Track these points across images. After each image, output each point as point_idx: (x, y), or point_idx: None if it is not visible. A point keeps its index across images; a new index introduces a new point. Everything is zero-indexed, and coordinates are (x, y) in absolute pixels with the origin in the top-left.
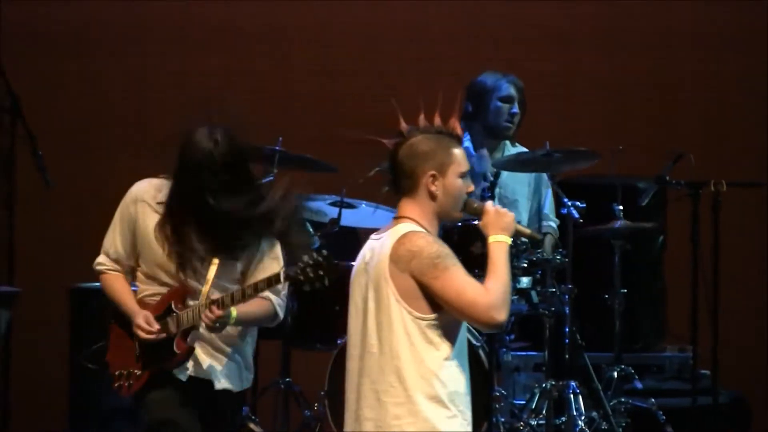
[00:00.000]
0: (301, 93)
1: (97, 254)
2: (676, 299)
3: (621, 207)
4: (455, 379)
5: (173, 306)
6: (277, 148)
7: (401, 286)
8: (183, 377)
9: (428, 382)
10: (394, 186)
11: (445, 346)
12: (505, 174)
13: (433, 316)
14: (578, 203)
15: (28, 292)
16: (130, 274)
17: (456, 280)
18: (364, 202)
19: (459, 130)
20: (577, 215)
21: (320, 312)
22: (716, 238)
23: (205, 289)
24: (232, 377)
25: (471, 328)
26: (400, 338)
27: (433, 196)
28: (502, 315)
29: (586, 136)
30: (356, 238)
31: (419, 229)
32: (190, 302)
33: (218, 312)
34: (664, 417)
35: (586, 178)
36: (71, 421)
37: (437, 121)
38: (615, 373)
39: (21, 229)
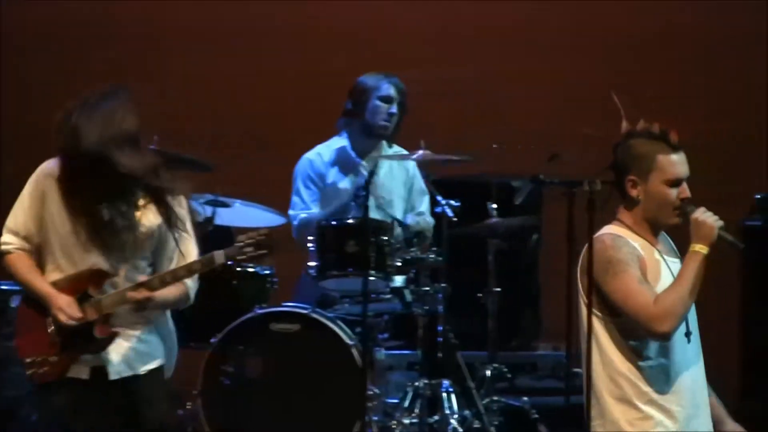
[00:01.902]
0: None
1: None
2: (552, 298)
3: (495, 205)
4: (652, 381)
5: (90, 291)
6: (152, 147)
7: (585, 285)
8: (84, 375)
9: (615, 383)
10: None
11: (638, 346)
12: (381, 173)
13: (613, 316)
14: (453, 202)
15: None
16: (35, 255)
17: (625, 286)
18: (239, 200)
19: (675, 136)
20: (451, 214)
21: (194, 311)
22: (591, 237)
23: (122, 272)
24: (140, 359)
25: (342, 325)
26: (587, 335)
27: (635, 201)
28: (663, 327)
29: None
30: (230, 236)
31: (620, 232)
32: (107, 285)
33: (148, 294)
34: (537, 415)
35: (462, 177)
36: None
37: (656, 126)
38: (488, 372)
39: None
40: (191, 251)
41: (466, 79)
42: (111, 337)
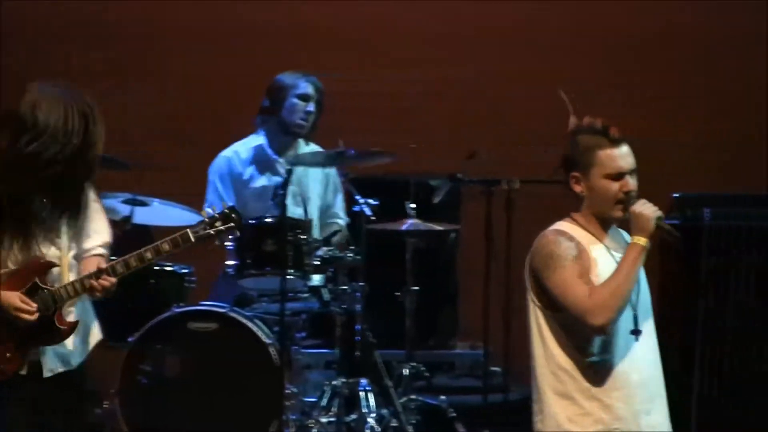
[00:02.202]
0: None
1: None
2: (470, 297)
3: (413, 205)
4: (594, 377)
5: (39, 282)
6: None
7: (529, 279)
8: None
9: (558, 378)
10: None
11: (581, 341)
12: (298, 171)
13: (555, 311)
14: (371, 201)
15: None
16: None
17: (563, 281)
18: (156, 199)
19: (615, 131)
20: (369, 212)
21: (112, 309)
22: (509, 236)
23: (66, 260)
24: (73, 354)
25: (260, 324)
26: (533, 330)
27: (580, 197)
28: (598, 320)
29: (382, 133)
30: (149, 235)
31: (566, 227)
32: (51, 275)
33: (112, 279)
34: (455, 414)
35: (381, 176)
36: None
37: (598, 121)
38: (406, 371)
39: None
40: (106, 226)
41: (465, 79)
42: (73, 327)
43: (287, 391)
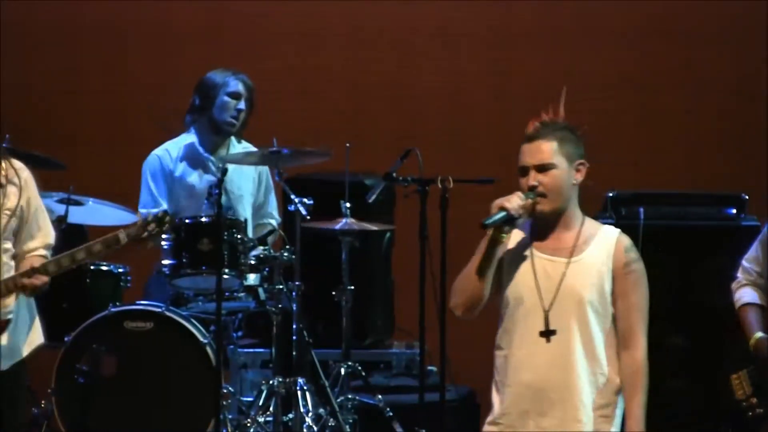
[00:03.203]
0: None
1: None
2: (405, 295)
3: (348, 204)
4: (499, 370)
5: None
6: (4, 144)
7: None
8: None
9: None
10: None
11: (499, 334)
12: (231, 169)
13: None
14: (305, 200)
15: None
16: None
17: None
18: (92, 198)
19: (529, 126)
20: (305, 212)
21: (48, 308)
22: (443, 235)
23: (2, 258)
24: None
25: (196, 323)
26: None
27: None
28: (450, 302)
29: (322, 132)
30: (84, 235)
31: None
32: None
33: (44, 278)
34: (392, 413)
35: (316, 175)
36: None
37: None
38: (342, 370)
39: None
40: (50, 228)
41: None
42: (4, 326)
43: (224, 391)
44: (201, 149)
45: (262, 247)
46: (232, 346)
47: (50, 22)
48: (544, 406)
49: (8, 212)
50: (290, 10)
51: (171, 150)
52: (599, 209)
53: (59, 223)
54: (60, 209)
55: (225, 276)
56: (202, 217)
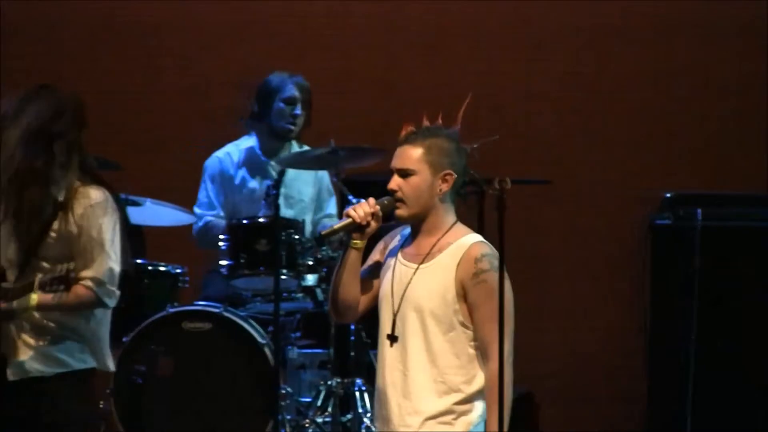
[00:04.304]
0: None
1: None
2: None
3: None
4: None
5: None
6: None
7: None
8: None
9: None
10: None
11: None
12: (290, 173)
13: None
14: (363, 201)
15: None
16: None
17: None
18: (149, 199)
19: (403, 131)
20: None
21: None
22: (501, 235)
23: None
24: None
25: (254, 323)
26: None
27: None
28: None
29: (374, 133)
30: (141, 235)
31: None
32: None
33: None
34: None
35: (373, 176)
36: None
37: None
38: None
39: None
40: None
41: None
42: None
43: (282, 391)
44: (260, 153)
45: (320, 248)
46: (290, 347)
47: (103, 21)
48: (385, 410)
49: (54, 234)
50: (326, 11)
51: (232, 153)
52: (656, 210)
53: None
54: None
55: (283, 277)
56: (259, 217)
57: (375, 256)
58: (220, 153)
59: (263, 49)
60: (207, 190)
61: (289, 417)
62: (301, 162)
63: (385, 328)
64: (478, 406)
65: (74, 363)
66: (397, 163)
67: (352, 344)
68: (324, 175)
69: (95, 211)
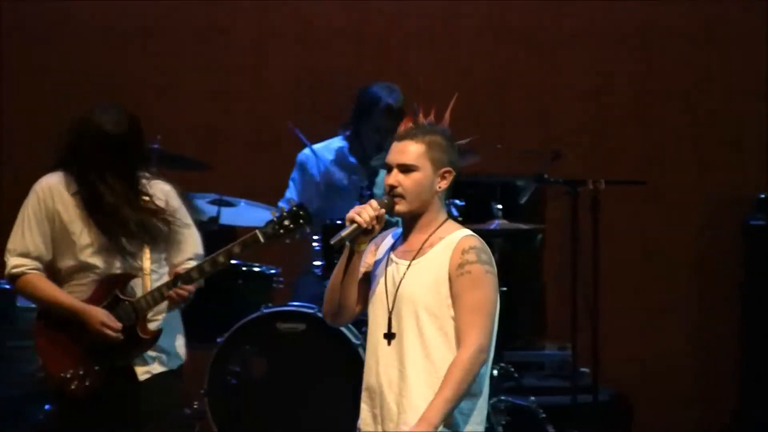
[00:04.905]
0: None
1: None
2: (556, 297)
3: (500, 206)
4: (364, 375)
5: (120, 294)
6: (155, 146)
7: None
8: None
9: None
10: None
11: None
12: (381, 174)
13: None
14: (457, 201)
15: None
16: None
17: None
18: (243, 200)
19: (400, 127)
20: (456, 214)
21: (200, 309)
22: (595, 236)
23: (146, 264)
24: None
25: (349, 325)
26: None
27: None
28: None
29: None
30: (235, 236)
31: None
32: (131, 286)
33: (190, 288)
34: (545, 415)
35: (466, 177)
36: None
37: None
38: (495, 371)
39: None
40: (194, 239)
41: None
42: (156, 336)
43: None
44: (349, 155)
45: None
46: None
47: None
48: (384, 410)
49: (160, 224)
50: (432, 11)
51: (323, 151)
52: (751, 211)
53: (211, 223)
54: (212, 210)
55: None
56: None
57: (367, 258)
58: (308, 151)
59: (371, 52)
60: (295, 186)
61: None
62: None
63: (379, 327)
64: (477, 402)
65: (177, 358)
66: (398, 158)
67: None
68: None
69: (169, 197)
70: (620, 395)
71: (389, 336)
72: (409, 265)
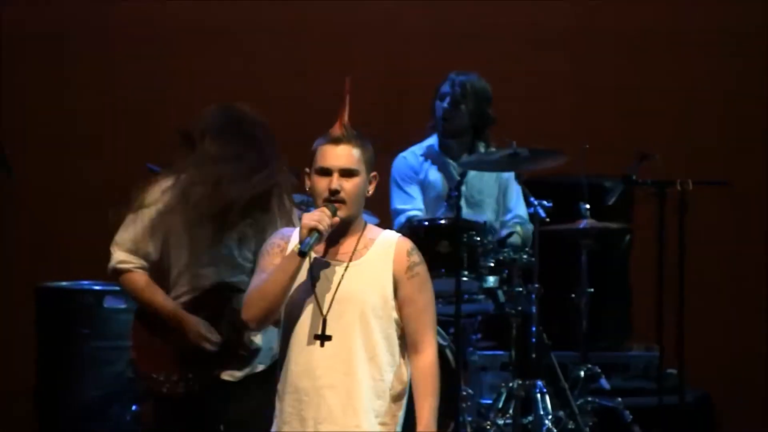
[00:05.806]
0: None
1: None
2: (642, 298)
3: (588, 206)
4: (281, 378)
5: (226, 305)
6: None
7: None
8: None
9: None
10: None
11: (278, 340)
12: (471, 174)
13: None
14: (545, 202)
15: None
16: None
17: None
18: None
19: (335, 129)
20: (543, 214)
21: None
22: (682, 237)
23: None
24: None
25: (438, 327)
26: None
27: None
28: (244, 314)
29: (554, 135)
30: None
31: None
32: (240, 299)
33: None
34: (631, 416)
35: (553, 177)
36: (40, 421)
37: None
38: (581, 373)
39: None
40: None
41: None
42: (255, 354)
43: (463, 393)
44: (439, 151)
45: (502, 249)
46: (471, 349)
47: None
48: (322, 412)
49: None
50: (517, 12)
51: (415, 151)
52: None
53: None
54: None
55: (463, 278)
56: (440, 219)
57: (276, 260)
58: (405, 153)
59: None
60: (401, 189)
61: (469, 419)
62: (483, 164)
63: (310, 329)
64: (404, 405)
65: (267, 357)
66: (339, 162)
67: (533, 346)
68: (509, 176)
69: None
70: (707, 396)
71: (323, 338)
72: (347, 266)
